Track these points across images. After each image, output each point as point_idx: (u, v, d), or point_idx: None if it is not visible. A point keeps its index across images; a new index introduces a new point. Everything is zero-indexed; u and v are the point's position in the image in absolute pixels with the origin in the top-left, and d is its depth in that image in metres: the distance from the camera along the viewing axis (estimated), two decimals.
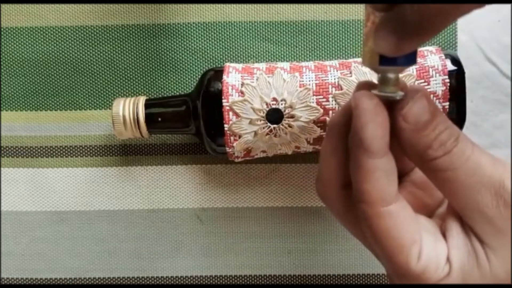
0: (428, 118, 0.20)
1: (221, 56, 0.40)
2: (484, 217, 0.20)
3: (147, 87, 0.40)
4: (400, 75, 0.33)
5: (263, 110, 0.33)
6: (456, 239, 0.21)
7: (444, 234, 0.22)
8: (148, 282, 0.41)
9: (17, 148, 0.40)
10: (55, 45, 0.40)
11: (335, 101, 0.33)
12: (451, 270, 0.20)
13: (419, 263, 0.20)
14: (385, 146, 0.20)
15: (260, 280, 0.40)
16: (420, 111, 0.20)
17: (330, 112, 0.33)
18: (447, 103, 0.33)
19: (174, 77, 0.40)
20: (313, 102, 0.33)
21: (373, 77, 0.33)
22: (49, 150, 0.40)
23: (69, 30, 0.40)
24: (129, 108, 0.35)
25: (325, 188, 0.23)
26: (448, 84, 0.33)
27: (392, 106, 0.21)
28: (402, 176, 0.25)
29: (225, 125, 0.33)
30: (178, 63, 0.40)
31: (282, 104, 0.33)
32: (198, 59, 0.40)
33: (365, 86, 0.21)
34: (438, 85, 0.32)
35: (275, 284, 0.40)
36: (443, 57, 0.33)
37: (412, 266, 0.20)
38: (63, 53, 0.40)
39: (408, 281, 0.21)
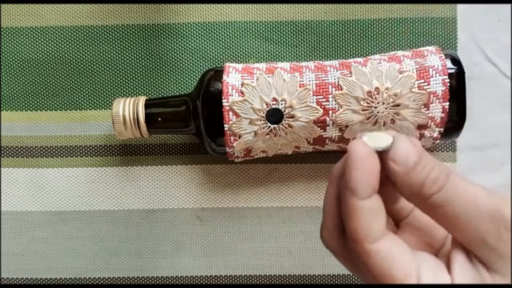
0: (416, 159, 0.21)
1: (221, 56, 0.40)
2: (487, 245, 0.20)
3: (147, 87, 0.40)
4: (400, 75, 0.33)
5: (263, 110, 0.33)
6: (461, 268, 0.21)
7: (449, 268, 0.22)
8: (148, 282, 0.41)
9: (17, 148, 0.40)
10: (55, 45, 0.40)
11: (335, 101, 0.33)
12: None
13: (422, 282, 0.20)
14: (371, 190, 0.21)
15: (260, 280, 0.40)
16: (406, 152, 0.21)
17: (330, 112, 0.33)
18: (447, 103, 0.33)
19: (174, 77, 0.40)
20: (313, 102, 0.33)
21: (373, 77, 0.33)
22: (49, 150, 0.40)
23: (69, 30, 0.40)
24: (129, 108, 0.35)
25: (329, 234, 0.24)
26: (448, 84, 0.33)
27: (384, 155, 0.22)
28: (401, 219, 0.26)
29: (225, 125, 0.33)
30: (178, 63, 0.40)
31: (282, 104, 0.33)
32: (198, 59, 0.40)
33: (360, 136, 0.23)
34: (438, 85, 0.32)
35: (275, 284, 0.40)
36: (443, 57, 0.33)
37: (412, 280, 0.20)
38: (63, 53, 0.40)
39: None
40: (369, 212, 0.21)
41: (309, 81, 0.33)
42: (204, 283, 0.40)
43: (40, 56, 0.40)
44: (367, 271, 0.21)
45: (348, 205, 0.21)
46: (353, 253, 0.22)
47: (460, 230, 0.21)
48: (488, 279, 0.20)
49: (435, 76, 0.33)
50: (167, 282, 0.41)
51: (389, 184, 0.22)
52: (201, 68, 0.40)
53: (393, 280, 0.21)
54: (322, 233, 0.25)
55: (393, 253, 0.21)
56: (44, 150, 0.40)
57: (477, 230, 0.20)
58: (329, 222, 0.24)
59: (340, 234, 0.24)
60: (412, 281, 0.20)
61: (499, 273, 0.20)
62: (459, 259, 0.21)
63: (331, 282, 0.40)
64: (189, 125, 0.36)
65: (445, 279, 0.21)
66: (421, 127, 0.34)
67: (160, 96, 0.40)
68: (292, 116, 0.33)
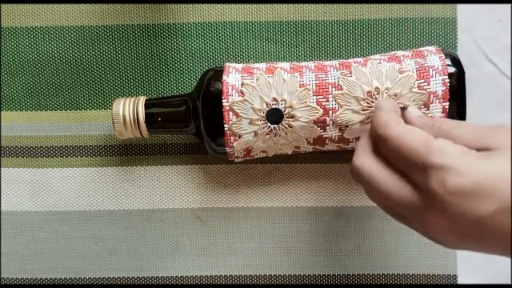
0: (422, 113, 0.32)
1: (221, 56, 0.40)
2: (492, 136, 0.26)
3: (147, 87, 0.40)
4: (400, 75, 0.33)
5: (263, 110, 0.33)
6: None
7: None
8: (148, 282, 0.41)
9: (17, 148, 0.40)
10: (55, 45, 0.40)
11: (335, 101, 0.33)
12: (471, 151, 0.25)
13: (437, 140, 0.25)
14: (393, 109, 0.30)
15: (260, 280, 0.40)
16: (416, 109, 0.32)
17: (330, 112, 0.33)
18: (447, 103, 0.33)
19: (174, 77, 0.40)
20: (313, 102, 0.33)
21: (373, 77, 0.33)
22: (49, 150, 0.40)
23: (69, 30, 0.40)
24: (129, 108, 0.35)
25: (360, 155, 0.29)
26: (448, 84, 0.33)
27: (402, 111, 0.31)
28: None
29: (225, 125, 0.33)
30: (178, 63, 0.40)
31: (282, 104, 0.33)
32: (198, 59, 0.40)
33: None
34: (438, 85, 0.32)
35: (275, 284, 0.40)
36: (443, 57, 0.33)
37: (431, 140, 0.25)
38: (63, 53, 0.40)
39: (433, 162, 0.24)
40: (392, 115, 0.29)
41: (309, 81, 0.33)
42: (204, 283, 0.40)
43: (40, 56, 0.40)
44: (392, 145, 0.27)
45: (375, 116, 0.29)
46: (379, 144, 0.28)
47: (467, 138, 0.26)
48: (494, 153, 0.24)
49: (435, 76, 0.33)
50: (167, 282, 0.41)
51: None
52: (201, 68, 0.40)
53: (416, 142, 0.26)
54: (353, 160, 0.29)
55: (412, 127, 0.28)
56: (44, 150, 0.40)
57: (483, 132, 0.26)
58: (361, 148, 0.30)
59: (370, 154, 0.29)
60: (432, 139, 0.26)
61: (501, 148, 0.25)
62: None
63: (331, 282, 0.40)
64: (189, 125, 0.36)
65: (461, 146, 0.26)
66: None
67: (160, 96, 0.40)
68: (292, 116, 0.33)
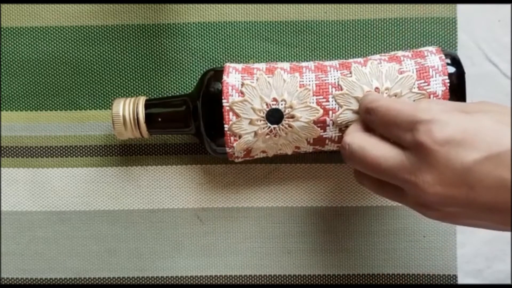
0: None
1: (221, 56, 0.40)
2: (472, 106, 0.27)
3: (147, 87, 0.40)
4: (400, 76, 0.33)
5: (263, 110, 0.33)
6: None
7: None
8: (148, 282, 0.41)
9: (17, 148, 0.40)
10: (55, 45, 0.40)
11: (335, 101, 0.33)
12: (455, 110, 0.27)
13: (423, 101, 0.29)
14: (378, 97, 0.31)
15: (260, 280, 0.40)
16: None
17: (330, 112, 0.33)
18: None
19: (174, 77, 0.40)
20: (313, 103, 0.33)
21: (373, 78, 0.33)
22: (49, 150, 0.40)
23: (69, 30, 0.40)
24: (129, 108, 0.35)
25: (351, 133, 0.31)
26: (448, 84, 0.33)
27: None
28: None
29: (225, 125, 0.33)
30: (178, 63, 0.40)
31: (282, 104, 0.33)
32: (198, 59, 0.40)
33: None
34: (438, 85, 0.32)
35: (275, 284, 0.40)
36: (443, 57, 0.33)
37: (418, 103, 0.28)
38: (63, 53, 0.40)
39: (421, 117, 0.26)
40: (381, 95, 0.32)
41: (309, 81, 0.33)
42: (204, 283, 0.40)
43: (40, 56, 0.40)
44: (381, 115, 0.29)
45: (365, 96, 0.32)
46: (371, 118, 0.30)
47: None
48: (475, 113, 0.26)
49: (435, 76, 0.33)
50: (167, 282, 0.41)
51: None
52: (201, 68, 0.40)
53: (405, 106, 0.28)
54: (344, 139, 0.31)
55: (400, 100, 0.31)
56: (44, 150, 0.40)
57: (464, 103, 0.28)
58: (352, 129, 0.31)
59: (361, 132, 0.31)
60: (418, 102, 0.28)
61: (481, 111, 0.26)
62: None
63: (331, 282, 0.40)
64: (189, 125, 0.36)
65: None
66: None
67: (160, 96, 0.40)
68: (292, 116, 0.33)
